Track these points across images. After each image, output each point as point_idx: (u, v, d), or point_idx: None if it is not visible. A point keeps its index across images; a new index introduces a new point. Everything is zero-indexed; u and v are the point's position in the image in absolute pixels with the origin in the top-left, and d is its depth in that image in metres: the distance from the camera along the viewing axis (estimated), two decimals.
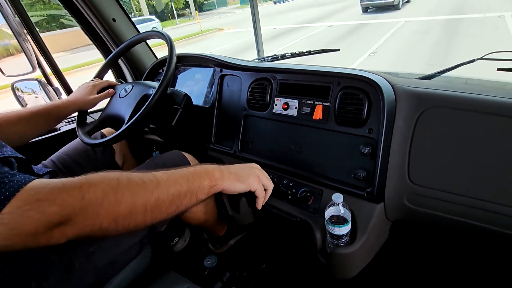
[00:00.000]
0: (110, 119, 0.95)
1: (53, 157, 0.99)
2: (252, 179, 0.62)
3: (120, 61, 1.36)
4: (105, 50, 1.31)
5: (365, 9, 11.00)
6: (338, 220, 0.72)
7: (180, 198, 0.50)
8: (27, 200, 0.37)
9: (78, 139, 0.99)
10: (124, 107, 0.91)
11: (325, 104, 0.82)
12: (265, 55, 1.35)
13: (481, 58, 0.91)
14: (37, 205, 0.37)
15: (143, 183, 0.47)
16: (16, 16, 1.13)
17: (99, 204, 0.41)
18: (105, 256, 0.68)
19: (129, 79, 1.40)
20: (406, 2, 11.66)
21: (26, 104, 1.30)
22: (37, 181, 0.39)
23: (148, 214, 0.46)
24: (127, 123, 0.83)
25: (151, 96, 0.81)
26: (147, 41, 1.30)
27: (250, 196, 0.65)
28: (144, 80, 1.26)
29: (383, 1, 10.15)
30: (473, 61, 0.92)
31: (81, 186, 0.40)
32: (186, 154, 0.95)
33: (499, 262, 0.84)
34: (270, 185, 0.66)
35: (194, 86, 1.20)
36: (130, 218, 0.44)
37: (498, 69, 0.85)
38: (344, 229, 0.72)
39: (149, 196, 0.46)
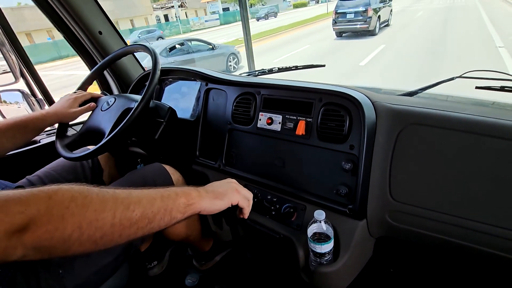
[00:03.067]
0: (90, 132, 0.93)
1: (39, 172, 0.95)
2: (231, 193, 0.61)
3: (106, 73, 1.35)
4: (90, 62, 1.30)
5: (339, 34, 10.09)
6: (321, 237, 0.71)
7: (153, 212, 0.47)
8: None
9: None
10: (105, 121, 0.89)
11: (308, 119, 0.82)
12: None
13: (460, 76, 0.93)
14: (0, 205, 0.35)
15: (114, 192, 0.45)
16: None
17: (65, 207, 0.39)
18: (76, 278, 0.65)
19: (115, 91, 1.39)
20: (385, 26, 10.67)
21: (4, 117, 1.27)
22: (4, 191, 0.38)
23: (117, 225, 0.43)
24: (107, 137, 0.81)
25: (133, 110, 0.80)
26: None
27: (228, 214, 0.64)
28: (129, 93, 1.25)
29: (358, 26, 9.17)
30: (452, 79, 0.94)
31: (48, 189, 0.39)
32: (167, 167, 0.93)
33: (483, 280, 0.83)
34: (250, 195, 0.66)
35: (180, 99, 1.20)
36: (97, 226, 0.41)
37: (477, 87, 0.87)
38: (327, 247, 0.70)
39: (119, 205, 0.44)
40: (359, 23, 9.17)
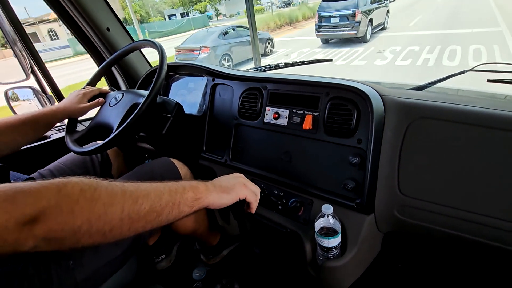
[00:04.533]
0: (99, 127, 0.94)
1: (51, 166, 0.97)
2: (239, 187, 0.61)
3: (113, 69, 1.36)
4: (98, 58, 1.31)
5: (326, 41, 8.52)
6: (328, 232, 0.71)
7: (161, 206, 0.47)
8: (1, 193, 0.35)
9: None
10: (114, 116, 0.90)
11: (315, 114, 0.82)
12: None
13: (471, 70, 0.91)
14: (12, 196, 0.36)
15: (123, 186, 0.45)
16: (10, 24, 1.14)
17: (75, 201, 0.39)
18: (85, 270, 0.66)
19: (123, 87, 1.40)
20: (381, 29, 9.01)
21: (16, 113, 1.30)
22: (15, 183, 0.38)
23: (125, 218, 0.43)
24: (115, 131, 0.82)
25: (140, 105, 0.80)
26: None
27: (235, 208, 0.64)
28: (137, 88, 1.26)
29: (346, 33, 7.61)
30: (463, 72, 0.92)
31: (58, 182, 0.40)
32: (175, 161, 0.94)
33: (493, 274, 0.82)
34: (258, 190, 0.66)
35: (187, 95, 1.20)
36: (105, 219, 0.41)
37: (488, 80, 0.85)
38: (334, 241, 0.70)
39: (127, 198, 0.44)
40: (346, 29, 7.58)
